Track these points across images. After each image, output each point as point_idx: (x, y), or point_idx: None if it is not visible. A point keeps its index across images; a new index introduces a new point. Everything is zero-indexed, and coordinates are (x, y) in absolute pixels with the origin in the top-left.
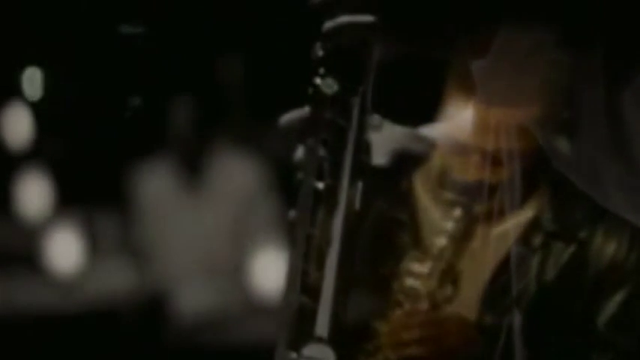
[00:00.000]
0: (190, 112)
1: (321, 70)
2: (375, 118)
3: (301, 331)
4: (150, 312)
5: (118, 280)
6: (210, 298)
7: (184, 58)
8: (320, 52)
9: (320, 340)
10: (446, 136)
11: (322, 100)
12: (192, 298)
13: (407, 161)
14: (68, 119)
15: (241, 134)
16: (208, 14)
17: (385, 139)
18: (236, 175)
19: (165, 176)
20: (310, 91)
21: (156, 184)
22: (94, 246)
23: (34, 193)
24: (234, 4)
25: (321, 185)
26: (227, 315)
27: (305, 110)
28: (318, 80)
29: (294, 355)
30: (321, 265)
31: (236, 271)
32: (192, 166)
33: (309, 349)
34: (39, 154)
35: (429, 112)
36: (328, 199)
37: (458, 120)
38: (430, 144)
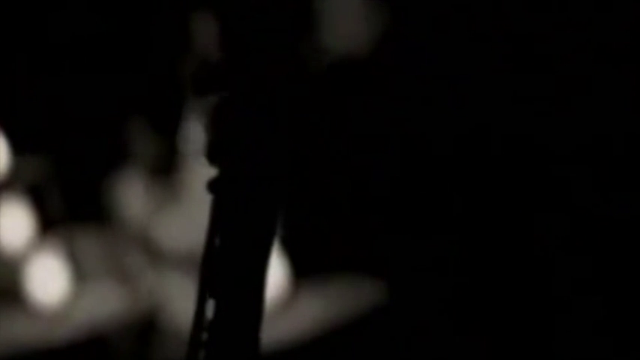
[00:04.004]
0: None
1: None
2: None
3: None
4: (142, 333)
5: (106, 304)
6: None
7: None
8: None
9: None
10: None
11: None
12: (185, 312)
13: None
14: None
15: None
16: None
17: None
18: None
19: (144, 191)
20: None
21: (137, 200)
22: (79, 271)
23: (12, 221)
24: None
25: None
26: None
27: None
28: None
29: None
30: None
31: None
32: (170, 178)
33: None
34: (16, 179)
35: None
36: None
37: None
38: None
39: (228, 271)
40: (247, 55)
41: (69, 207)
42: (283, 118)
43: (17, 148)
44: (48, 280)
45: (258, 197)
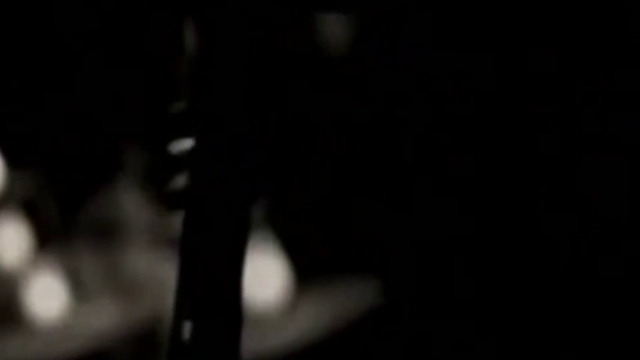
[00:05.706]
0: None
1: None
2: None
3: None
4: (142, 347)
5: (105, 319)
6: None
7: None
8: None
9: None
10: None
11: None
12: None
13: None
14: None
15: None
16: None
17: None
18: None
19: (140, 203)
20: None
21: (132, 212)
22: (77, 286)
23: (8, 237)
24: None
25: None
26: None
27: None
28: None
29: None
30: None
31: None
32: (163, 187)
33: None
34: (11, 195)
35: None
36: None
37: None
38: None
39: (204, 291)
40: (228, 56)
41: (65, 221)
42: (258, 125)
43: (12, 162)
44: (46, 295)
45: (228, 215)
